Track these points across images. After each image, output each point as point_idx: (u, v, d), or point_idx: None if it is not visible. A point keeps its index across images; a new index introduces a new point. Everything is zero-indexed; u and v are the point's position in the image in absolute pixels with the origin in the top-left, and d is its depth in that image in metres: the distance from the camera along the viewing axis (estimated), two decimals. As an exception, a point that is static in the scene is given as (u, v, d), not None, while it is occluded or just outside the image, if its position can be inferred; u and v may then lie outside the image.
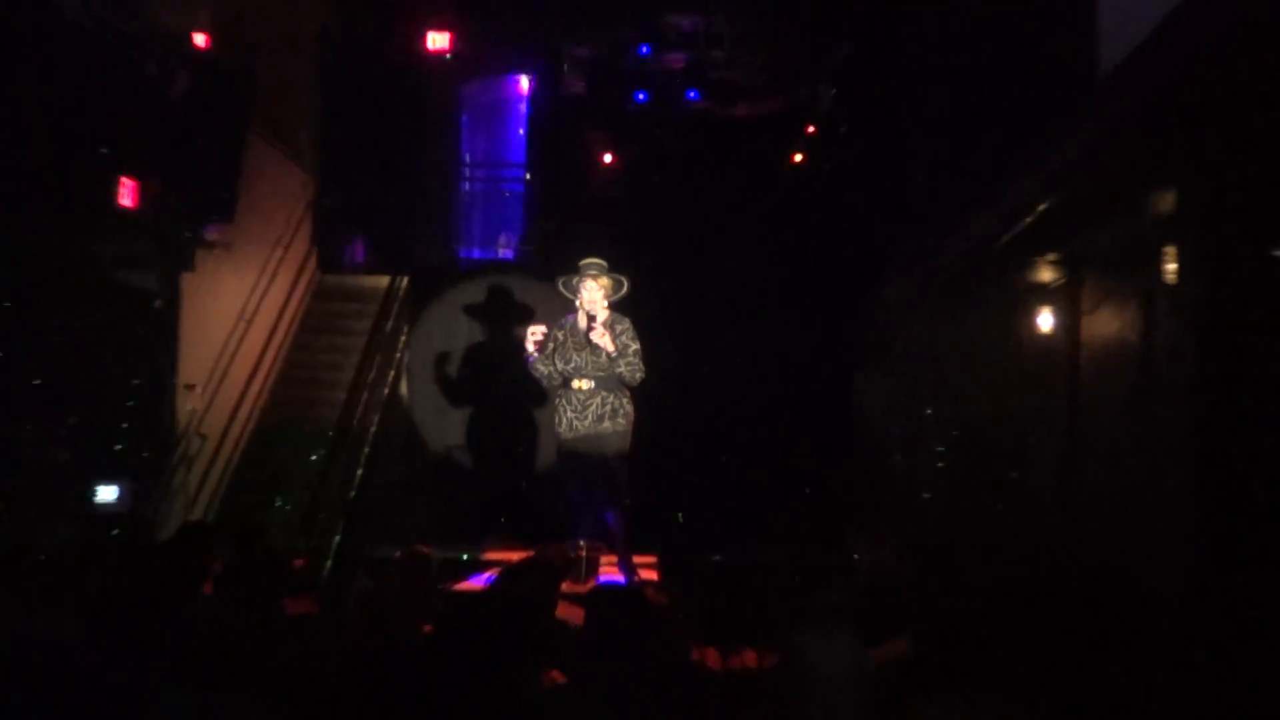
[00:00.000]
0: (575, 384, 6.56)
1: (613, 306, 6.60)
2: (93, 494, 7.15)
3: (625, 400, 6.63)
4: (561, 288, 6.71)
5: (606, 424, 6.55)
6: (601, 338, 6.39)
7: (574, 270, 6.62)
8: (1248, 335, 4.10)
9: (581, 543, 6.65)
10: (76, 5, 6.90)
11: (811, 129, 12.27)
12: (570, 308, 6.67)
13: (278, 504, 8.80)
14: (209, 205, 8.44)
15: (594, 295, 6.51)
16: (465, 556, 7.27)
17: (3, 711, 2.95)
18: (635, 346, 6.55)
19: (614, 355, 6.45)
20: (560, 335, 6.65)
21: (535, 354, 6.60)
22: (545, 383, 6.72)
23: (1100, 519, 5.49)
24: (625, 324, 6.60)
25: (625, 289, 6.63)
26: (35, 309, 6.97)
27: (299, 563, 5.79)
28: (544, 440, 9.21)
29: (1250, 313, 4.10)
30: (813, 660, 4.06)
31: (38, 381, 7.02)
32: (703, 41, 12.09)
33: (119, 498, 7.43)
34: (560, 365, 6.60)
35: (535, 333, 6.59)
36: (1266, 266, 3.99)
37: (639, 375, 6.55)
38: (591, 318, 6.47)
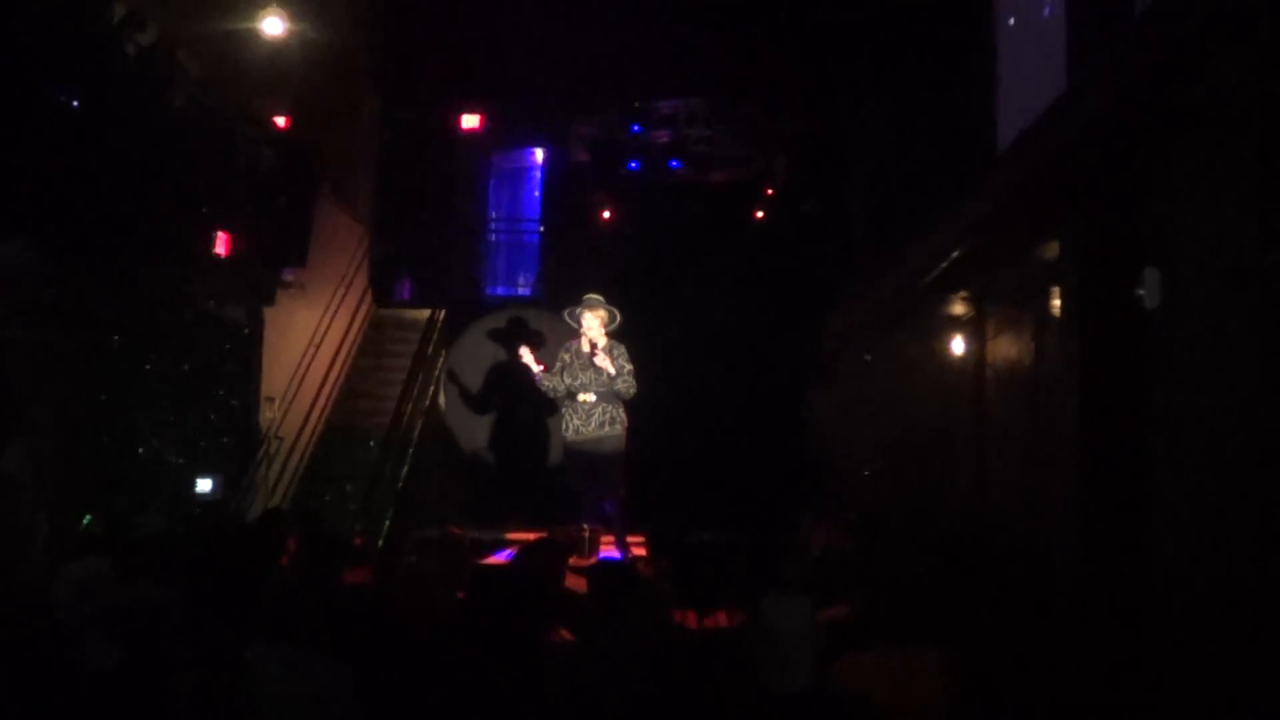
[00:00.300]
0: (581, 397, 6.60)
1: (610, 334, 6.65)
2: (194, 485, 7.12)
3: (621, 411, 6.68)
4: (566, 318, 6.75)
5: (606, 430, 6.60)
6: (603, 361, 6.44)
7: (577, 303, 6.68)
8: (1117, 357, 4.16)
9: (585, 525, 6.67)
10: (184, 95, 6.96)
11: (770, 191, 12.34)
12: (575, 334, 6.70)
13: (341, 493, 8.79)
14: (286, 253, 8.44)
15: (592, 324, 6.56)
16: (491, 537, 7.26)
17: (123, 660, 2.97)
18: (629, 367, 6.59)
19: (613, 375, 6.49)
20: (567, 357, 6.69)
21: (540, 370, 6.68)
22: (551, 395, 6.78)
23: (1005, 503, 5.53)
24: (621, 349, 6.65)
25: (619, 320, 6.69)
26: (148, 336, 6.99)
27: (357, 541, 5.77)
28: (554, 443, 9.19)
29: (1119, 339, 4.16)
30: (774, 621, 4.07)
31: (151, 393, 7.04)
32: (683, 122, 12.17)
33: (214, 489, 7.40)
34: (568, 381, 6.64)
35: (524, 354, 6.68)
36: (1131, 302, 4.05)
37: (632, 390, 6.60)
38: (594, 344, 6.52)
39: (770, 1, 9.85)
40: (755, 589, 4.42)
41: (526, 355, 6.67)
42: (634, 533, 6.83)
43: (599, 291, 6.74)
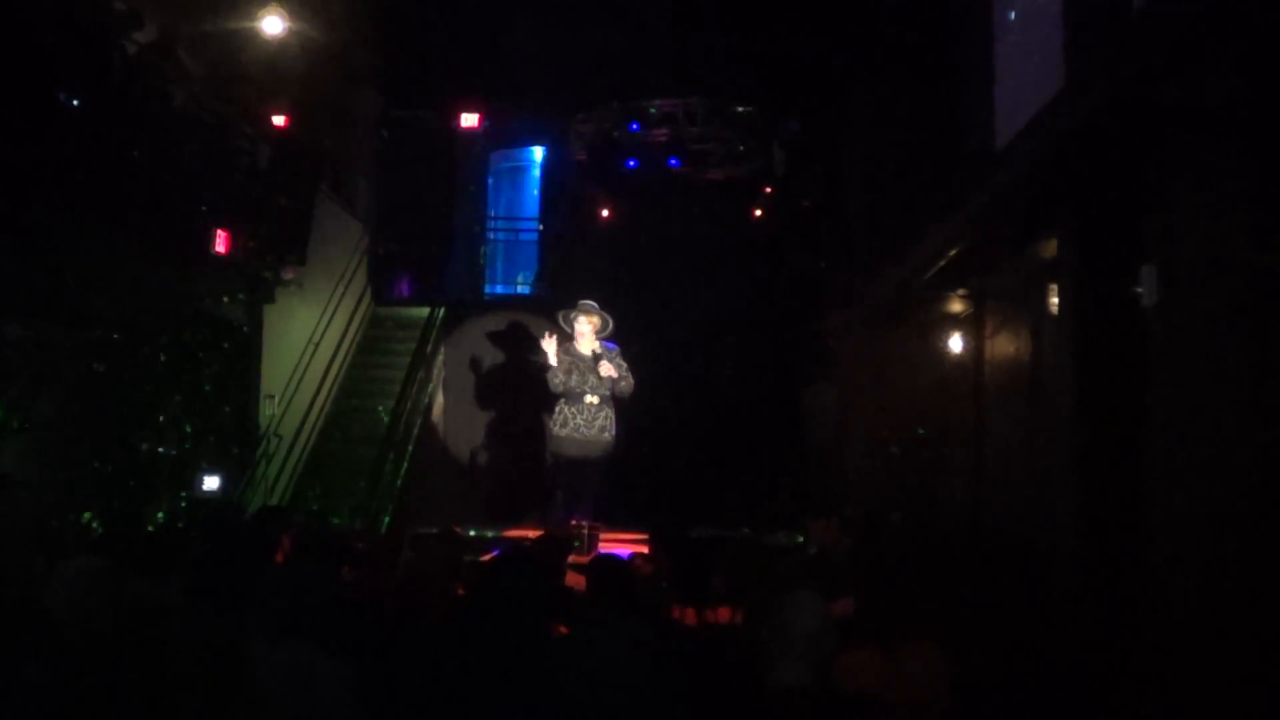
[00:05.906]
0: (588, 398, 6.78)
1: (605, 336, 6.84)
2: (199, 483, 7.12)
3: (615, 416, 6.83)
4: (561, 322, 6.92)
5: (607, 436, 6.84)
6: (607, 371, 6.65)
7: (572, 308, 6.86)
8: (1112, 353, 4.17)
9: (584, 522, 6.71)
10: (184, 94, 6.96)
11: (769, 190, 12.32)
12: (571, 336, 6.88)
13: (341, 490, 8.79)
14: (286, 251, 8.41)
15: (585, 329, 6.75)
16: (490, 534, 7.26)
17: (120, 657, 2.96)
18: (625, 364, 6.77)
19: (616, 379, 6.66)
20: (568, 360, 6.82)
21: (553, 362, 6.75)
22: (555, 389, 6.85)
23: (1002, 501, 5.54)
24: (615, 352, 6.84)
25: (611, 326, 6.88)
26: (150, 335, 6.99)
27: (359, 545, 5.75)
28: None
29: (1114, 336, 4.16)
30: (789, 616, 4.06)
31: (151, 391, 7.04)
32: (681, 120, 12.13)
33: (220, 486, 7.40)
34: (575, 383, 6.75)
35: (547, 343, 6.73)
36: (1126, 300, 4.05)
37: (631, 387, 6.79)
38: (596, 353, 6.69)
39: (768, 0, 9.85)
40: (756, 586, 4.42)
41: (549, 344, 6.70)
42: (634, 529, 6.87)
43: (598, 290, 6.87)
